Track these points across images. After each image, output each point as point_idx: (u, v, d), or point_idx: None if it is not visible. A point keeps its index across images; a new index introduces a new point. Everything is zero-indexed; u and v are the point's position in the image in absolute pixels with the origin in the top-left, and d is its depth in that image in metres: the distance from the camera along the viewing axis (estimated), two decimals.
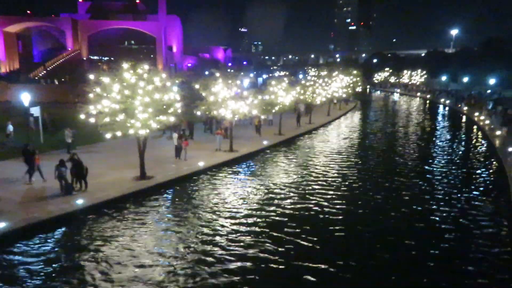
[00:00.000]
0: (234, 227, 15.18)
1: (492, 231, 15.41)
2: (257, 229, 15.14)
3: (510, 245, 14.23)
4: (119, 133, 18.27)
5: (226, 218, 16.13)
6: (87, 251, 12.99)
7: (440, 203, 18.61)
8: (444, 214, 17.15)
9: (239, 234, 14.58)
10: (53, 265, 12.10)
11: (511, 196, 18.45)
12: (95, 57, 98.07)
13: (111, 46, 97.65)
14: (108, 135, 18.29)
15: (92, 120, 18.28)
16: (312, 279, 11.67)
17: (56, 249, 13.17)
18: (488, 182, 22.56)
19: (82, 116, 18.25)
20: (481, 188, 21.16)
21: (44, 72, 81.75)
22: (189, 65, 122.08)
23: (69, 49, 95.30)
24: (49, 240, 13.72)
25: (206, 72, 69.28)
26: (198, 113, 26.80)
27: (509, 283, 11.81)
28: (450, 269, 12.46)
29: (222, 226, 15.32)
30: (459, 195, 19.95)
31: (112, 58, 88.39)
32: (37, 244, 13.42)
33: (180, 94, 20.24)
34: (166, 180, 20.19)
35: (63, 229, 14.64)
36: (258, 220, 15.97)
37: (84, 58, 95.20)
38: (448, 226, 15.93)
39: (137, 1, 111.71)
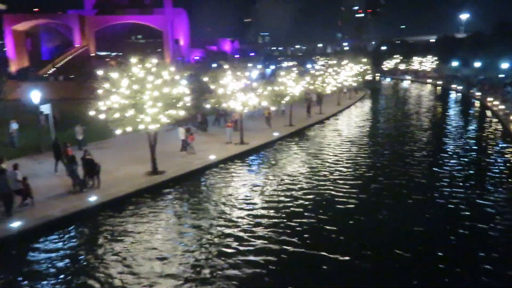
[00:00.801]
0: (251, 218, 15.07)
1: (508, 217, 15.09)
2: (273, 220, 15.05)
3: None
4: (129, 129, 18.18)
5: (242, 209, 16.02)
6: (106, 246, 12.99)
7: (456, 189, 18.26)
8: (462, 201, 16.84)
9: (256, 225, 14.49)
10: (74, 262, 12.13)
11: None
12: (103, 53, 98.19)
13: (118, 41, 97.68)
14: (118, 131, 18.19)
15: (102, 116, 18.19)
16: (331, 268, 11.61)
17: (74, 246, 13.17)
18: (505, 167, 22.07)
19: (92, 113, 18.17)
20: (498, 174, 20.75)
21: (53, 69, 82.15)
22: (197, 58, 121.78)
23: (77, 45, 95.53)
24: (66, 237, 13.73)
25: (214, 65, 69.05)
26: (208, 106, 26.65)
27: None
28: (468, 259, 12.20)
29: (239, 217, 15.22)
30: (476, 181, 19.61)
31: (119, 53, 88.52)
32: (55, 241, 13.43)
33: (189, 87, 20.06)
34: (178, 174, 20.10)
35: (79, 226, 14.63)
36: (274, 211, 15.84)
37: (92, 54, 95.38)
38: (465, 212, 15.72)
39: None
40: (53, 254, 12.55)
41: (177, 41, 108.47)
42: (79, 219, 14.97)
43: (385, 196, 17.81)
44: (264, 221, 14.91)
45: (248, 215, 15.50)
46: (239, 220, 15.03)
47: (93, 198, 16.16)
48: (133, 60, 17.79)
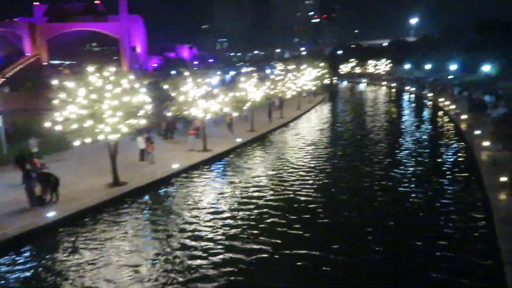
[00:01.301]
0: (217, 227, 14.91)
1: (464, 208, 15.96)
2: (240, 223, 15.14)
3: (481, 220, 14.61)
4: (88, 140, 17.61)
5: (207, 219, 15.82)
6: (66, 264, 12.42)
7: (413, 185, 19.39)
8: (419, 195, 17.93)
9: (222, 233, 14.35)
10: (31, 283, 11.50)
11: (481, 173, 19.35)
12: (56, 62, 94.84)
13: (72, 49, 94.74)
14: (76, 142, 17.57)
15: (58, 127, 17.52)
16: (305, 264, 11.97)
17: (31, 266, 12.50)
18: (458, 162, 23.56)
19: (48, 124, 17.47)
20: (453, 168, 22.06)
21: (3, 79, 78.36)
22: (155, 65, 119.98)
23: (28, 54, 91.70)
24: (21, 258, 13.02)
25: (173, 72, 68.19)
26: (169, 114, 26.31)
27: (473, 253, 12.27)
28: (427, 248, 12.71)
29: (205, 226, 15.03)
30: (432, 176, 20.77)
31: (74, 62, 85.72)
32: (8, 263, 12.71)
33: (150, 95, 19.71)
34: (141, 185, 19.63)
35: (36, 244, 13.93)
36: (240, 218, 15.75)
37: (45, 63, 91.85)
38: (422, 205, 16.72)
39: (97, 2, 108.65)
40: (8, 276, 11.87)
41: (134, 48, 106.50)
42: (36, 237, 14.27)
43: (348, 194, 18.43)
44: (230, 230, 14.81)
45: (214, 224, 15.35)
46: (204, 229, 14.86)
47: (51, 214, 15.47)
48: (90, 68, 17.26)
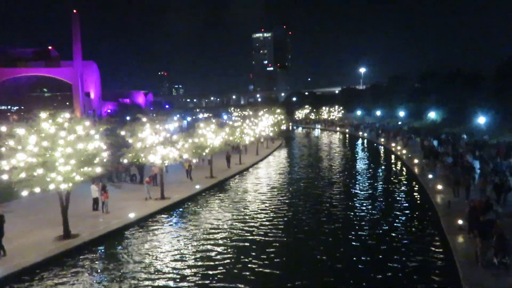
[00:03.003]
0: (174, 283, 14.06)
1: (423, 248, 16.10)
2: (197, 277, 14.41)
3: (440, 260, 14.79)
4: (37, 189, 16.50)
5: (164, 272, 14.95)
6: None
7: (371, 224, 20.33)
8: (378, 234, 18.83)
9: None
10: None
11: (437, 212, 20.70)
12: (3, 107, 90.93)
13: (20, 94, 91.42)
14: (24, 192, 16.40)
15: (4, 176, 16.32)
16: None
17: None
18: (414, 204, 24.59)
19: None
20: (410, 209, 22.93)
21: None
22: (109, 111, 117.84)
23: None
24: None
25: (128, 118, 66.96)
26: (125, 161, 25.45)
27: None
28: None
29: (160, 281, 14.12)
30: (389, 216, 21.79)
31: (21, 107, 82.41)
32: None
33: (106, 142, 19.01)
34: (94, 237, 18.42)
35: None
36: (200, 273, 15.01)
37: None
38: (380, 243, 17.22)
39: (50, 47, 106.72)
40: None
41: (87, 94, 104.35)
42: None
43: (307, 236, 19.05)
44: (187, 285, 14.06)
45: (171, 278, 14.55)
46: (161, 285, 14.03)
47: None
48: (43, 114, 16.48)
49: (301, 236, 19.21)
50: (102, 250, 17.67)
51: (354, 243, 17.86)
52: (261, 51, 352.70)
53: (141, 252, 17.27)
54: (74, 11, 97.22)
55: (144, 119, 24.99)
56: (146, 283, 14.14)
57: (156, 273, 14.98)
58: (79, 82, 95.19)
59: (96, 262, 16.40)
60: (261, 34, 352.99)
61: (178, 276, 14.66)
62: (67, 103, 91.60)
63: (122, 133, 24.66)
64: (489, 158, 30.32)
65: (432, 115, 69.57)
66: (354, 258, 16.08)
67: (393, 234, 18.88)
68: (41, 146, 16.47)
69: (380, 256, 16.25)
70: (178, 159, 26.34)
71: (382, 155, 52.21)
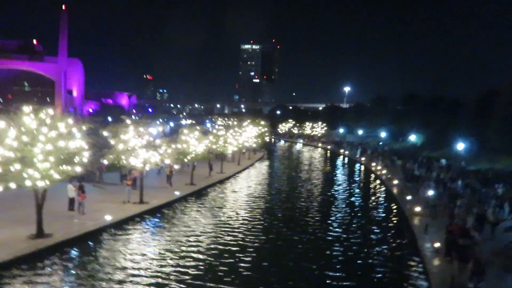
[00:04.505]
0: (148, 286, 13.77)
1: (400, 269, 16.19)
2: (171, 284, 14.19)
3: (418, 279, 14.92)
4: (13, 185, 15.99)
5: (135, 277, 14.60)
6: None
7: (344, 237, 19.99)
8: (353, 247, 19.16)
9: None
10: None
11: (413, 232, 21.32)
12: None
13: (0, 87, 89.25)
14: None
15: None
16: None
17: None
18: (392, 225, 24.57)
19: None
20: (387, 231, 22.93)
21: None
22: (90, 110, 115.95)
23: None
24: None
25: (110, 118, 65.90)
26: (106, 162, 25.00)
27: None
28: None
29: (135, 286, 13.81)
30: (365, 232, 22.41)
31: (1, 100, 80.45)
32: None
33: (88, 141, 18.62)
34: (67, 237, 17.92)
35: None
36: (172, 279, 14.72)
37: None
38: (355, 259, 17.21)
39: (34, 41, 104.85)
40: None
41: (70, 91, 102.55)
42: None
43: (280, 243, 19.47)
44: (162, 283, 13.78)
45: (145, 282, 14.28)
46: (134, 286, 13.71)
47: None
48: (26, 108, 16.05)
49: (276, 246, 19.55)
50: (75, 252, 17.18)
51: (328, 254, 18.41)
52: (249, 62, 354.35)
53: (115, 255, 16.87)
54: (63, 7, 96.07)
55: (128, 121, 24.65)
56: (117, 286, 13.77)
57: (129, 276, 14.65)
58: (62, 79, 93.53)
59: (68, 263, 15.93)
60: (249, 46, 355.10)
61: (152, 281, 14.35)
62: (48, 99, 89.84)
63: (105, 133, 24.21)
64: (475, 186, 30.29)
65: (413, 138, 70.72)
66: (329, 273, 16.08)
67: (371, 252, 18.99)
68: (21, 141, 16.01)
69: (355, 270, 16.43)
70: (160, 164, 26.03)
71: (361, 173, 52.68)
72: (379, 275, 16.26)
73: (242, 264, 16.58)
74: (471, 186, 29.76)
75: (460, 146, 46.63)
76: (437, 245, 17.59)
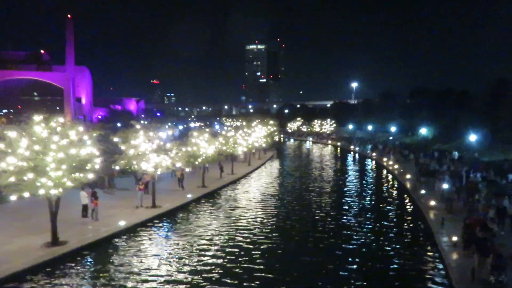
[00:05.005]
0: None
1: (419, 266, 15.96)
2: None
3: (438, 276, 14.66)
4: (26, 194, 16.07)
5: (153, 282, 14.59)
6: None
7: (360, 234, 20.43)
8: (371, 244, 18.17)
9: None
10: None
11: (429, 226, 21.18)
12: None
13: (10, 98, 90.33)
14: (13, 197, 15.97)
15: None
16: None
17: None
18: (408, 220, 24.28)
19: None
20: (404, 225, 22.60)
21: None
22: (100, 117, 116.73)
23: None
24: None
25: (119, 124, 66.28)
26: (117, 167, 25.08)
27: None
28: None
29: None
30: (381, 228, 21.96)
31: (11, 110, 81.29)
32: None
33: (99, 148, 18.67)
34: (82, 244, 17.98)
35: None
36: (188, 278, 14.66)
37: None
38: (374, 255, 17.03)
39: (42, 51, 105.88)
40: None
41: (79, 99, 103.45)
42: None
43: (298, 246, 18.95)
44: None
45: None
46: None
47: None
48: (37, 118, 16.13)
49: (292, 246, 19.41)
50: (91, 258, 17.22)
51: (342, 253, 18.08)
52: (255, 63, 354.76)
53: (130, 260, 16.87)
54: (68, 16, 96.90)
55: (138, 126, 24.68)
56: None
57: (145, 282, 14.62)
58: (70, 87, 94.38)
59: (84, 270, 15.97)
60: (255, 46, 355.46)
61: (169, 285, 14.31)
62: (58, 108, 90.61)
63: (115, 139, 24.29)
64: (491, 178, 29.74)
65: (423, 131, 70.03)
66: (345, 273, 15.90)
67: (387, 248, 18.77)
68: (33, 150, 16.09)
69: (373, 267, 16.18)
70: (171, 167, 26.04)
71: (373, 169, 52.22)
72: (396, 272, 16.01)
73: (257, 267, 16.41)
74: (487, 179, 29.27)
75: (472, 137, 46.01)
76: (454, 239, 17.31)
